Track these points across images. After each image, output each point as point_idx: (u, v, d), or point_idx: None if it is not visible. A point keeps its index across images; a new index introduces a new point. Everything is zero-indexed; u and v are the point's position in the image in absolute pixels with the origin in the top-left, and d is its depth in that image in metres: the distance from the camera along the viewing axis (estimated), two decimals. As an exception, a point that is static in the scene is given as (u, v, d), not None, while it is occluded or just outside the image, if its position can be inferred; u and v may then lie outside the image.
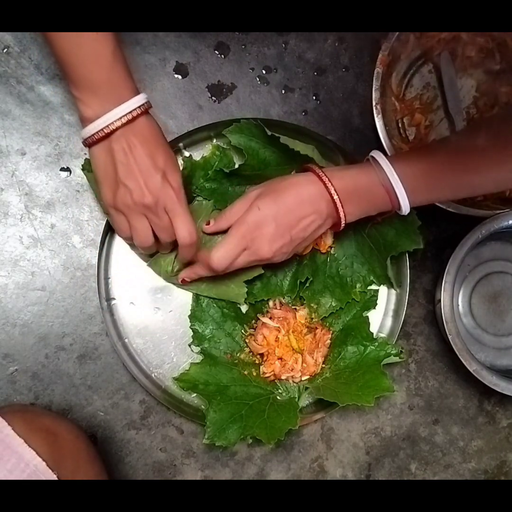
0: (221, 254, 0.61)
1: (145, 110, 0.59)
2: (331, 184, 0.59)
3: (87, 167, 0.69)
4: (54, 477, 0.52)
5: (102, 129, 0.57)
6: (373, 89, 0.69)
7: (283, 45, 0.75)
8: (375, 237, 0.69)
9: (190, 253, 0.63)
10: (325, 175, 0.60)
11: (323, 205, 0.60)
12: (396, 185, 0.59)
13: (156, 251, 0.67)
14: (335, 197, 0.59)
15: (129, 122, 0.57)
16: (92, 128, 0.57)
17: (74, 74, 0.56)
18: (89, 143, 0.59)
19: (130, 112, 0.57)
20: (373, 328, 0.71)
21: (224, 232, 0.65)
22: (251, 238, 0.60)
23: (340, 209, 0.60)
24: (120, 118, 0.56)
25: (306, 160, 0.66)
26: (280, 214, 0.60)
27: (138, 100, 0.58)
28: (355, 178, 0.61)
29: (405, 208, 0.60)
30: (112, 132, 0.57)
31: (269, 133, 0.65)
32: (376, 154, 0.61)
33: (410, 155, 0.64)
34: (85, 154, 0.72)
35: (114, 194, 0.59)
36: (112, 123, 0.56)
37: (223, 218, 0.65)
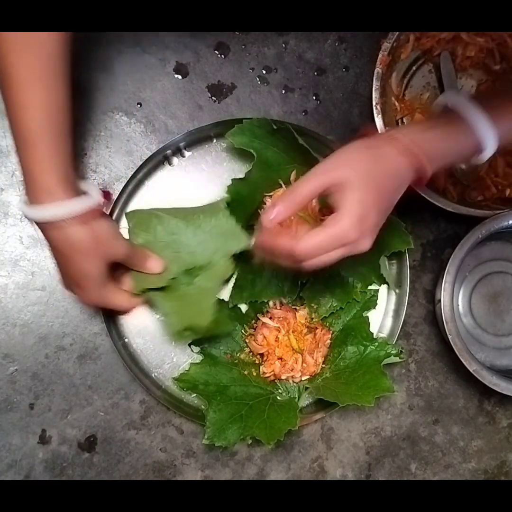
0: (313, 244, 0.51)
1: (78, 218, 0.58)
2: (424, 156, 0.54)
3: None
4: None
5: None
6: (373, 89, 0.69)
7: (283, 45, 0.75)
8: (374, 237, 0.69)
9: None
10: (418, 149, 0.54)
11: (413, 174, 0.55)
12: (483, 126, 0.55)
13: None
14: (427, 168, 0.54)
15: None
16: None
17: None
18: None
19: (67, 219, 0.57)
20: (373, 328, 0.71)
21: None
22: (355, 236, 0.52)
23: (428, 173, 0.55)
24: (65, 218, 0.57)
25: (308, 159, 0.66)
26: (382, 204, 0.54)
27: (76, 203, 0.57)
28: (441, 137, 0.56)
29: (490, 149, 0.57)
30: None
31: (275, 127, 0.65)
32: (457, 101, 0.58)
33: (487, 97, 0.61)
34: (86, 154, 0.73)
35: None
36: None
37: (291, 201, 0.52)
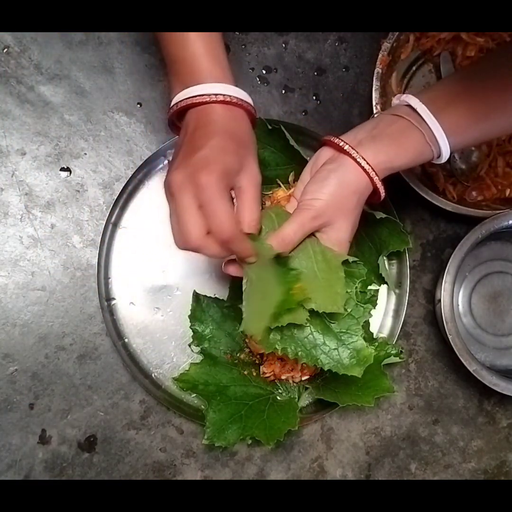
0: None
1: (226, 101, 0.54)
2: (372, 170, 0.56)
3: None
4: None
5: (182, 101, 0.54)
6: (373, 89, 0.69)
7: (283, 45, 0.75)
8: (373, 237, 0.69)
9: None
10: (366, 163, 0.56)
11: (366, 191, 0.58)
12: (436, 130, 0.56)
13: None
14: (377, 183, 0.57)
15: (202, 104, 0.53)
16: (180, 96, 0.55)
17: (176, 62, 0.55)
18: (174, 111, 0.56)
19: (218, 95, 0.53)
20: (373, 328, 0.71)
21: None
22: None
23: (381, 190, 0.58)
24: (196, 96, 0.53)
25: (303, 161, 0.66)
26: (355, 226, 0.59)
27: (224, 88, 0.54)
28: (394, 149, 0.57)
29: (446, 154, 0.58)
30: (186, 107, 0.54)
31: (270, 127, 0.65)
32: (411, 100, 0.58)
33: (438, 95, 0.60)
34: (86, 154, 0.73)
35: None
36: (189, 98, 0.53)
37: (285, 246, 0.57)
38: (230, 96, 0.54)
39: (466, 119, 0.58)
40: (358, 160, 0.56)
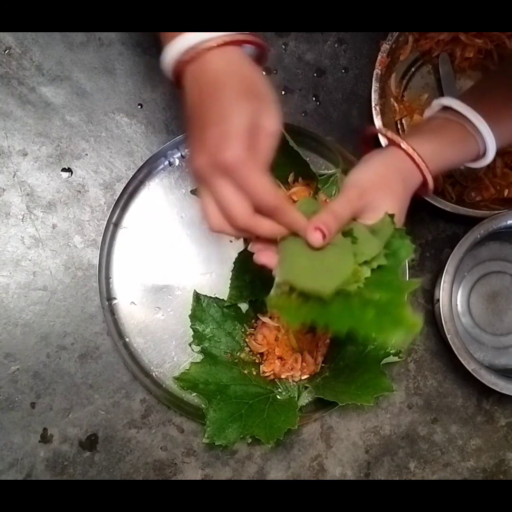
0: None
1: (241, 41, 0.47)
2: (418, 156, 0.54)
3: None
4: None
5: (191, 48, 0.47)
6: (372, 90, 0.69)
7: (283, 47, 0.75)
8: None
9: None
10: (412, 149, 0.54)
11: (412, 176, 0.56)
12: (474, 117, 0.56)
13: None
14: (424, 170, 0.55)
15: (220, 46, 0.46)
16: (177, 49, 0.47)
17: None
18: (178, 69, 0.48)
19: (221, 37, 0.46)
20: (373, 328, 0.71)
21: None
22: None
23: (428, 178, 0.56)
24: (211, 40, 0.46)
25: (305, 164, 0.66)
26: (402, 216, 0.55)
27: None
28: (442, 145, 0.56)
29: (492, 145, 0.57)
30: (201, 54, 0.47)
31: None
32: (444, 100, 0.58)
33: (471, 92, 0.60)
34: (87, 154, 0.73)
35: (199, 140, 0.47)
36: (206, 41, 0.46)
37: (333, 225, 0.50)
38: (223, 38, 0.47)
39: (504, 107, 0.57)
40: (403, 146, 0.54)
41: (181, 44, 0.47)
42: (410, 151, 0.54)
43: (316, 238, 0.49)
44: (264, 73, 0.48)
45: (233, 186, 0.46)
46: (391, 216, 0.51)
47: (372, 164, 0.54)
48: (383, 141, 0.64)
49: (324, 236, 0.48)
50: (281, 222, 0.49)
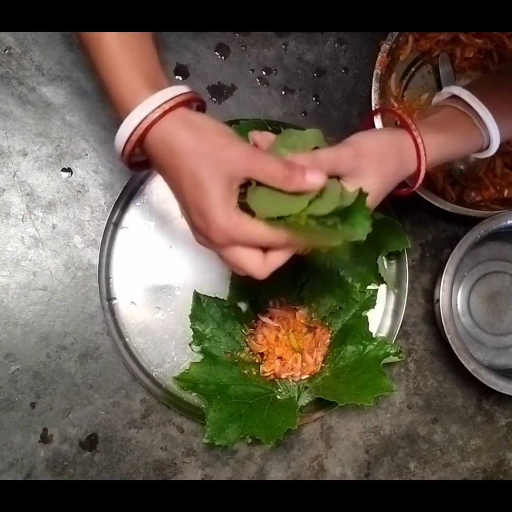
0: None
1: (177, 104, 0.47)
2: (424, 150, 0.54)
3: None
4: None
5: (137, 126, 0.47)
6: (372, 90, 0.69)
7: (283, 47, 0.75)
8: (372, 237, 0.69)
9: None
10: (422, 141, 0.54)
11: (409, 167, 0.55)
12: (482, 110, 0.56)
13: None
14: (422, 165, 0.54)
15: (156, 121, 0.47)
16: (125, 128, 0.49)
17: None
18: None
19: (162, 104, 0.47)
20: (372, 328, 0.71)
21: None
22: None
23: (420, 176, 0.55)
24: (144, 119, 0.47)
25: None
26: (385, 192, 0.54)
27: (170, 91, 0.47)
28: (445, 135, 0.55)
29: (496, 139, 0.57)
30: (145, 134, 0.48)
31: (269, 128, 0.66)
32: (454, 89, 0.57)
33: (480, 84, 0.60)
34: (87, 154, 0.73)
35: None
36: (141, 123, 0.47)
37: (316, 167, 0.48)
38: (160, 106, 0.47)
39: (509, 103, 0.57)
40: (414, 133, 0.53)
41: (135, 115, 0.48)
42: (418, 140, 0.53)
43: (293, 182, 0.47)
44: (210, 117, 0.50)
45: (237, 251, 0.48)
46: (365, 194, 0.49)
47: (377, 135, 0.54)
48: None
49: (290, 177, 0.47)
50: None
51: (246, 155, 0.46)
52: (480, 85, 0.59)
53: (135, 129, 0.48)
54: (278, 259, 0.49)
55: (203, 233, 0.48)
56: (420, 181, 0.56)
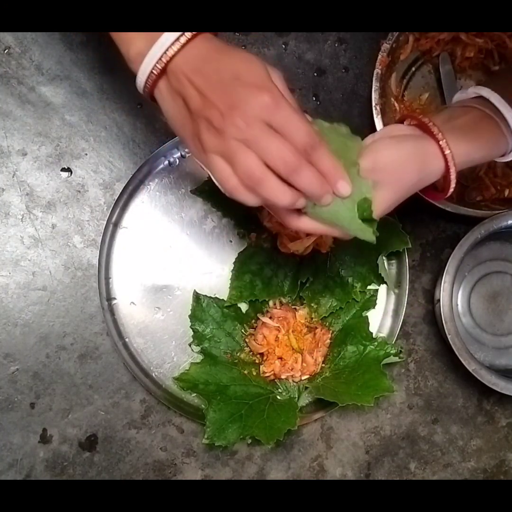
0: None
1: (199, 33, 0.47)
2: (452, 159, 0.52)
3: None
4: None
5: (159, 60, 0.46)
6: (373, 89, 0.69)
7: (283, 46, 0.75)
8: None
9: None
10: (449, 150, 0.52)
11: (432, 177, 0.54)
12: None
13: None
14: (452, 174, 0.53)
15: (185, 45, 0.46)
16: (148, 64, 0.47)
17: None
18: (150, 86, 0.48)
19: (182, 34, 0.46)
20: (373, 328, 0.71)
21: None
22: None
23: (452, 184, 0.54)
24: (174, 42, 0.46)
25: None
26: (401, 200, 0.54)
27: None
28: (472, 138, 0.54)
29: None
30: (169, 61, 0.46)
31: None
32: (483, 91, 0.56)
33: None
34: (86, 154, 0.73)
35: (197, 138, 0.46)
36: (168, 48, 0.46)
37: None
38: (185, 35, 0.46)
39: None
40: (441, 143, 0.52)
41: (152, 56, 0.47)
42: (447, 151, 0.52)
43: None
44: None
45: (272, 133, 0.45)
46: (369, 204, 0.50)
47: (401, 146, 0.52)
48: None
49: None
50: (320, 167, 0.47)
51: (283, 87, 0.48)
52: (503, 89, 0.56)
53: (166, 50, 0.46)
54: (309, 173, 0.46)
55: (227, 113, 0.44)
56: (451, 190, 0.55)
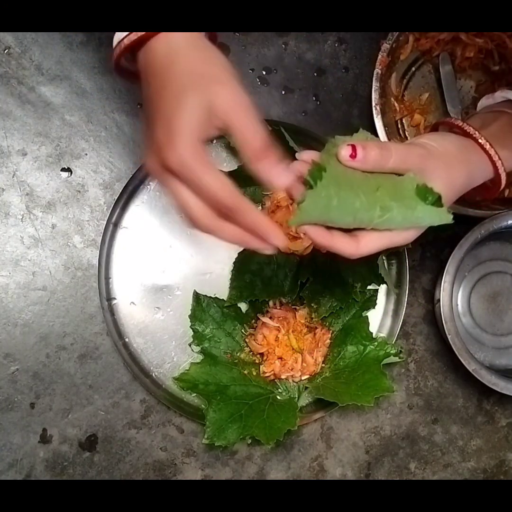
0: (375, 249, 0.48)
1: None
2: (496, 154, 0.52)
3: None
4: None
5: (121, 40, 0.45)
6: (373, 89, 0.69)
7: (283, 46, 0.75)
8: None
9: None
10: (490, 146, 0.52)
11: (479, 177, 0.54)
12: None
13: None
14: (500, 168, 0.53)
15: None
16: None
17: None
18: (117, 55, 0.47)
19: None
20: (373, 328, 0.71)
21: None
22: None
23: (502, 177, 0.54)
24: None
25: None
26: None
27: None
28: None
29: None
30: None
31: (270, 128, 0.65)
32: (511, 94, 0.56)
33: None
34: (86, 154, 0.73)
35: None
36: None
37: (377, 155, 0.46)
38: None
39: None
40: (490, 151, 0.52)
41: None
42: (492, 152, 0.52)
43: (344, 153, 0.45)
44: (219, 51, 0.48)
45: (185, 188, 0.44)
46: (439, 197, 0.47)
47: (446, 141, 0.51)
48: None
49: (354, 155, 0.45)
50: (242, 224, 0.45)
51: (237, 103, 0.44)
52: None
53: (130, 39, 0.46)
54: (227, 231, 0.44)
55: (160, 149, 0.43)
56: (503, 182, 0.55)
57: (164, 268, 0.71)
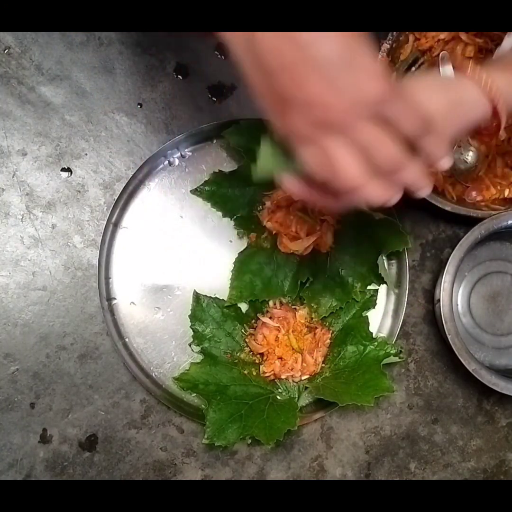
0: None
1: None
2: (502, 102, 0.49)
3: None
4: None
5: None
6: (373, 89, 0.69)
7: (283, 46, 0.75)
8: (372, 237, 0.69)
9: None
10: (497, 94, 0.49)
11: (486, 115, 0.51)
12: None
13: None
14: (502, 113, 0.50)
15: None
16: None
17: None
18: None
19: None
20: (373, 328, 0.71)
21: None
22: None
23: (502, 114, 0.50)
24: None
25: None
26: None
27: None
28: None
29: None
30: None
31: (269, 128, 0.65)
32: None
33: None
34: (86, 154, 0.73)
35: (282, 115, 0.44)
36: None
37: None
38: None
39: None
40: (477, 76, 0.48)
41: None
42: (480, 76, 0.49)
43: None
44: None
45: (345, 145, 0.42)
46: None
47: (446, 92, 0.48)
48: None
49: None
50: (400, 181, 0.45)
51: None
52: None
53: None
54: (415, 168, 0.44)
55: (320, 105, 0.40)
56: (503, 119, 0.51)
57: (164, 268, 0.71)
